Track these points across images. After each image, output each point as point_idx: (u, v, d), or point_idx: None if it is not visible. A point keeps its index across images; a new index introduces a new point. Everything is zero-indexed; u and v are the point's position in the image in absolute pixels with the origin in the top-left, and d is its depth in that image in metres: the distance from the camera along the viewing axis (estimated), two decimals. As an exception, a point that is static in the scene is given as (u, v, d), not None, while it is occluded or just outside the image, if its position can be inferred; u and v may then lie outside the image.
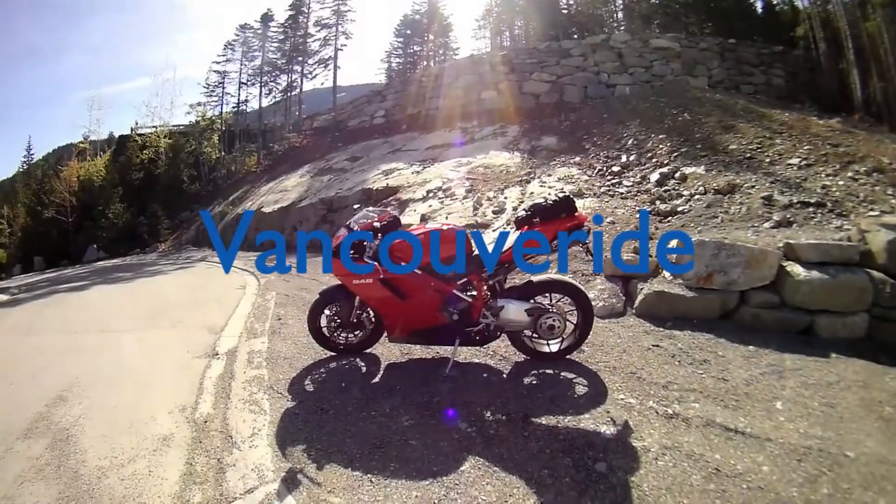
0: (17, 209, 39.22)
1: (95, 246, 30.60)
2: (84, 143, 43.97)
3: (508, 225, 9.48)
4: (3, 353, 6.81)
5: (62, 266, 27.52)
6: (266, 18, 45.08)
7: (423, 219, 11.51)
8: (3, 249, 36.32)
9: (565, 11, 36.03)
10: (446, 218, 11.03)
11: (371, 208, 5.10)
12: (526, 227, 4.28)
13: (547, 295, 4.50)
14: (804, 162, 9.27)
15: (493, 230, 9.62)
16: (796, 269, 5.42)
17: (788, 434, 3.28)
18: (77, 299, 11.12)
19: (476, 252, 4.43)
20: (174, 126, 43.39)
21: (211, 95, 46.12)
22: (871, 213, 7.13)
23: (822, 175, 8.67)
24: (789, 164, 9.30)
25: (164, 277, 13.85)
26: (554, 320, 4.27)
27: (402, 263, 4.30)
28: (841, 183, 8.25)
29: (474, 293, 4.38)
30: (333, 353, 5.05)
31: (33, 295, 12.53)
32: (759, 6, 29.79)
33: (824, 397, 3.82)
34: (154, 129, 42.49)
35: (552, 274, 5.45)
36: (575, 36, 29.43)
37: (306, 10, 42.09)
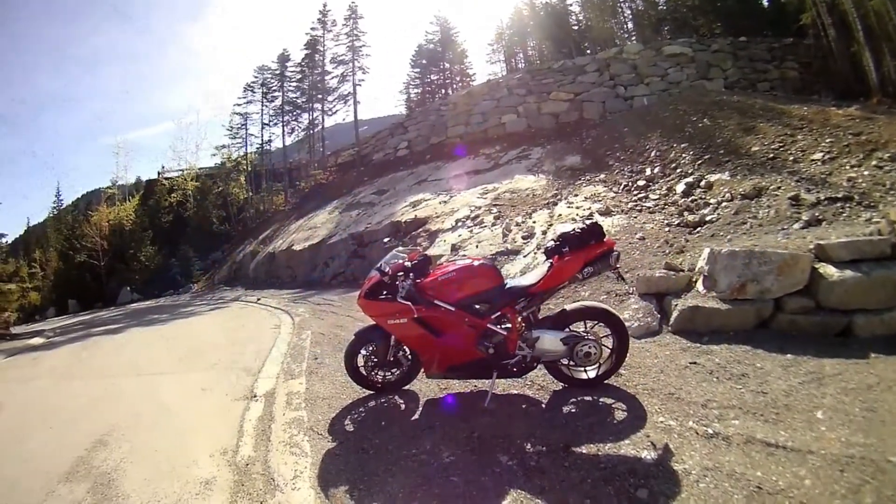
0: (50, 253, 40.43)
1: (129, 288, 31.34)
2: (112, 188, 44.90)
3: (539, 249, 9.52)
4: (42, 397, 7.01)
5: (96, 308, 28.20)
6: (283, 59, 46.18)
7: (454, 248, 11.66)
8: (37, 292, 37.13)
9: (576, 28, 36.23)
10: (476, 246, 11.14)
11: (401, 248, 5.18)
12: (556, 257, 4.36)
13: (581, 322, 4.53)
14: (827, 156, 9.23)
15: (524, 256, 9.69)
16: (829, 270, 5.38)
17: (830, 444, 3.27)
18: (112, 342, 11.30)
19: (508, 284, 4.50)
20: (200, 168, 44.74)
21: (235, 138, 47.61)
22: (899, 200, 7.09)
23: (847, 167, 8.63)
24: (813, 160, 9.26)
25: (198, 318, 14.10)
26: (590, 347, 4.30)
27: (436, 301, 4.39)
28: (866, 173, 8.21)
29: (509, 325, 4.42)
30: (372, 392, 5.10)
31: (68, 338, 12.82)
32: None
33: (865, 401, 3.79)
34: (181, 172, 43.94)
35: (585, 301, 5.50)
36: (588, 51, 29.67)
37: (321, 49, 43.10)
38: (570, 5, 37.80)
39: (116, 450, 4.53)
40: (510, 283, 4.54)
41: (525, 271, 8.57)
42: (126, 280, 32.35)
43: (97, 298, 31.20)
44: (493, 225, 12.18)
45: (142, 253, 33.83)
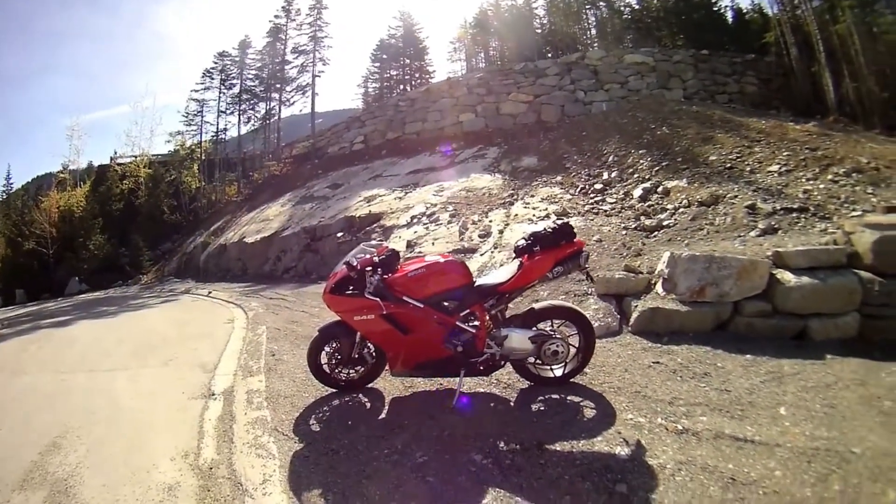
0: (-3, 239, 38.83)
1: (77, 278, 30.39)
2: (63, 172, 43.75)
3: (496, 248, 9.58)
4: (-9, 393, 6.59)
5: (43, 299, 27.21)
6: (244, 45, 45.39)
7: (410, 245, 11.60)
8: (-17, 280, 35.74)
9: (539, 31, 36.52)
10: (433, 244, 11.14)
11: (372, 242, 5.10)
12: (526, 256, 4.36)
13: (549, 321, 4.54)
14: (784, 168, 9.52)
15: (481, 254, 9.70)
16: (786, 277, 5.57)
17: (795, 438, 3.39)
18: (63, 336, 10.81)
19: (477, 282, 4.48)
20: (154, 155, 43.68)
21: (190, 124, 46.18)
22: (854, 213, 7.35)
23: (803, 180, 8.90)
24: (770, 172, 9.54)
25: (149, 311, 13.66)
26: (558, 346, 4.30)
27: (404, 298, 4.34)
28: (822, 186, 8.48)
29: (477, 324, 4.39)
30: (335, 390, 4.96)
31: (16, 330, 12.23)
32: (729, 16, 30.55)
33: (825, 398, 3.96)
34: (134, 158, 42.81)
35: (553, 300, 5.53)
36: (550, 55, 29.87)
37: (284, 37, 42.44)
38: (536, 8, 38.23)
39: (72, 453, 4.23)
40: (479, 281, 4.53)
41: (483, 270, 8.56)
42: (74, 269, 31.24)
43: (45, 289, 30.04)
44: (450, 223, 12.19)
45: (91, 241, 32.56)
